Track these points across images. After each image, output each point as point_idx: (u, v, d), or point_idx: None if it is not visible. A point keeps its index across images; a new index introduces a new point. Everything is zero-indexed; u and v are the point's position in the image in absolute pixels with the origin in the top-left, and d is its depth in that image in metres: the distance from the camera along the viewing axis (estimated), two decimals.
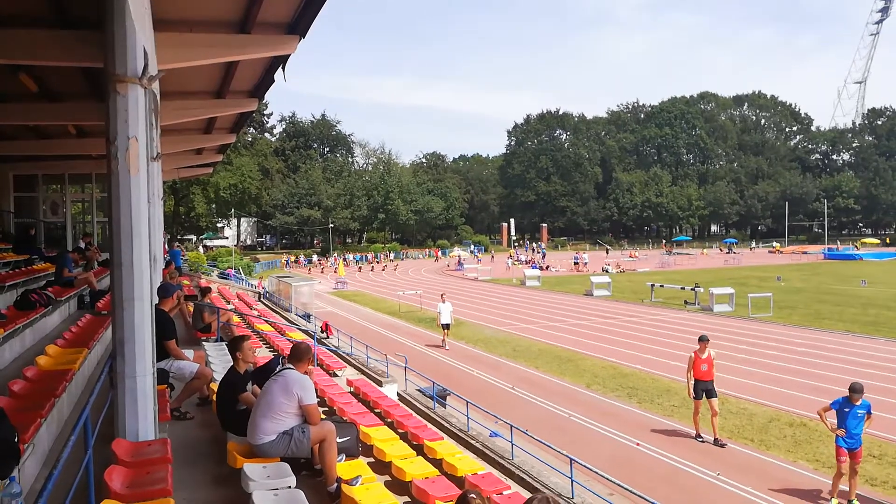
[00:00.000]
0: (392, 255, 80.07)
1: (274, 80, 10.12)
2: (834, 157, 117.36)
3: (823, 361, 18.41)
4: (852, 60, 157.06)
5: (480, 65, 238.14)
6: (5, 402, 4.70)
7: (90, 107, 10.29)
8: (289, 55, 8.20)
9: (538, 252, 77.78)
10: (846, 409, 9.04)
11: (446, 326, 22.01)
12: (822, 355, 19.27)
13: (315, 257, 76.17)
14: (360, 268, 67.23)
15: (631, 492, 7.98)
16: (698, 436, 12.15)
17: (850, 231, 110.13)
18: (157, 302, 6.73)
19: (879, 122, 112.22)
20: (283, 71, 8.82)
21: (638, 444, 12.02)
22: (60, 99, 10.42)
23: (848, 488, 9.26)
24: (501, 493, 7.05)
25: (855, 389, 9.05)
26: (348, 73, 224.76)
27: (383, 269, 64.74)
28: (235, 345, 6.29)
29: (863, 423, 9.09)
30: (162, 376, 6.28)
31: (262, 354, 11.66)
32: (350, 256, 75.84)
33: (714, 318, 27.61)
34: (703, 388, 11.89)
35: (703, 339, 12.21)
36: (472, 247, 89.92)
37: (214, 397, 6.95)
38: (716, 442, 11.81)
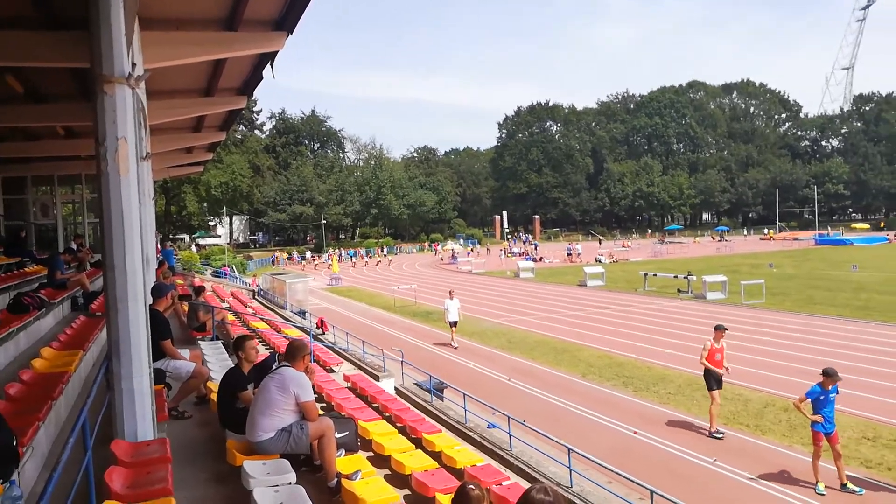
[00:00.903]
0: (385, 251, 79.73)
1: (262, 77, 10.09)
2: (823, 143, 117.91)
3: (816, 346, 18.56)
4: (839, 47, 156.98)
5: (467, 58, 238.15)
6: (2, 405, 4.69)
7: (78, 107, 10.21)
8: (277, 51, 8.18)
9: (530, 244, 77.96)
10: (821, 397, 9.17)
11: (454, 324, 21.16)
12: (814, 340, 19.43)
13: (308, 254, 75.98)
14: (353, 263, 67.16)
15: (629, 479, 8.04)
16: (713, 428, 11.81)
17: (841, 216, 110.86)
18: (151, 302, 6.72)
19: (867, 108, 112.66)
20: (272, 67, 8.80)
21: (635, 433, 12.10)
22: (48, 100, 10.34)
23: (836, 470, 9.36)
24: (501, 484, 7.05)
25: (829, 374, 9.17)
26: (336, 67, 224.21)
27: (377, 265, 64.68)
28: (239, 345, 6.36)
29: (834, 406, 9.28)
30: (159, 376, 6.27)
31: (259, 352, 11.63)
32: (343, 252, 75.69)
33: (707, 305, 27.75)
34: (716, 378, 11.65)
35: (719, 328, 11.87)
36: (463, 240, 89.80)
37: (212, 396, 6.96)
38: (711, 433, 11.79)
